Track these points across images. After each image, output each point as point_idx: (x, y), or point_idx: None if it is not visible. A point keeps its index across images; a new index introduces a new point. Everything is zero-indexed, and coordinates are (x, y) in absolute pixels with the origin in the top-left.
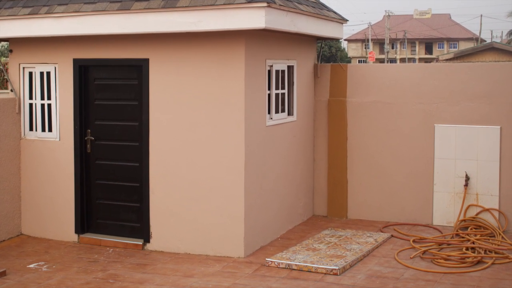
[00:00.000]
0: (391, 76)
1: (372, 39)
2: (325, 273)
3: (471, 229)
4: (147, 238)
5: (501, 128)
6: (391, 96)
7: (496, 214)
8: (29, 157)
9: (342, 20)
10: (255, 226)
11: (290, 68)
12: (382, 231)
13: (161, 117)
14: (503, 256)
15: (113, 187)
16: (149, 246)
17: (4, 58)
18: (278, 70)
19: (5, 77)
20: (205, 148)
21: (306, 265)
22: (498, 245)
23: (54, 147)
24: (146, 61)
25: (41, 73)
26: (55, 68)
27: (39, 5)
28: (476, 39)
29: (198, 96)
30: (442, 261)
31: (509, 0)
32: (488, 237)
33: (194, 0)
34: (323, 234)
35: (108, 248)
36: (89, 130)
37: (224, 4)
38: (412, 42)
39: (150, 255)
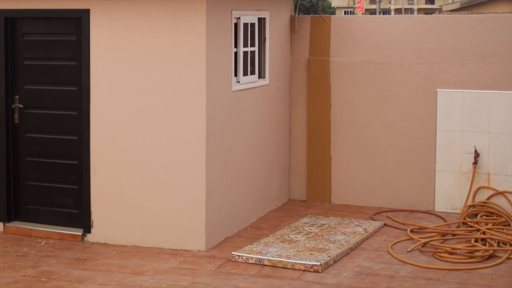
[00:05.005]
0: (384, 31)
1: None
2: (304, 270)
3: (481, 216)
4: (87, 228)
5: None
6: (384, 55)
7: None
8: None
9: None
10: (219, 213)
11: (261, 21)
12: (373, 219)
13: (104, 80)
14: None
15: (46, 165)
16: (89, 237)
17: None
18: (247, 24)
19: None
20: (159, 119)
21: (281, 260)
22: None
23: None
24: (86, 12)
25: None
26: None
27: None
28: None
29: (150, 56)
30: (446, 255)
31: None
32: (502, 226)
33: None
34: (302, 222)
35: (40, 240)
36: (17, 96)
37: None
38: None
39: (91, 248)
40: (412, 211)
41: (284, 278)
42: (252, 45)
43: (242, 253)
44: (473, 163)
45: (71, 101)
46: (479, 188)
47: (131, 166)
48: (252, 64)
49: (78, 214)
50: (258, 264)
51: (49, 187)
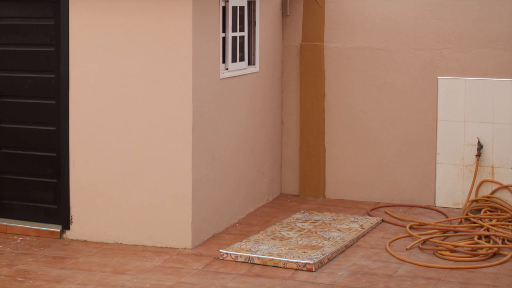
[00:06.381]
0: (382, 14)
1: None
2: (296, 269)
3: (484, 212)
4: (66, 224)
5: None
6: (382, 40)
7: None
8: None
9: None
10: (206, 208)
11: (251, 4)
12: (370, 215)
13: (85, 67)
14: None
15: (22, 157)
16: (69, 234)
17: None
18: (236, 7)
19: None
20: (142, 108)
21: (272, 259)
22: None
23: None
24: None
25: None
26: None
27: None
28: None
29: (133, 41)
30: (447, 253)
31: None
32: (507, 223)
33: None
34: (294, 218)
35: (16, 237)
36: None
37: None
38: None
39: (70, 245)
40: (412, 206)
41: (275, 277)
42: (241, 30)
43: (231, 251)
44: (476, 155)
45: (48, 89)
46: (482, 182)
47: (112, 158)
48: (241, 50)
49: (56, 209)
50: (247, 262)
51: (26, 181)
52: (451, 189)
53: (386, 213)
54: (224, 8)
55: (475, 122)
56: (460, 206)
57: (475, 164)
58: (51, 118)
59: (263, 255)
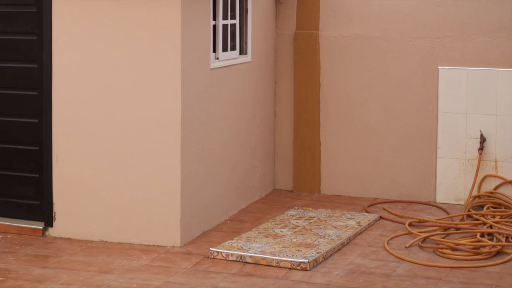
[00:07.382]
0: (380, 1)
1: None
2: (290, 268)
3: (487, 208)
4: (49, 221)
5: None
6: (380, 29)
7: None
8: None
9: None
10: (195, 204)
11: None
12: (367, 211)
13: (68, 56)
14: None
15: (2, 151)
16: (52, 232)
17: None
18: None
19: None
20: (129, 99)
21: (265, 257)
22: None
23: None
24: None
25: None
26: None
27: None
28: None
29: (119, 29)
30: (448, 251)
31: None
32: (511, 219)
33: None
34: (288, 215)
35: None
36: None
37: None
38: None
39: (53, 243)
40: (411, 202)
41: (268, 277)
42: (233, 17)
43: (222, 249)
44: (479, 149)
45: (31, 79)
46: (485, 177)
47: (97, 152)
48: (232, 39)
49: (39, 205)
50: (239, 261)
51: (6, 176)
52: (453, 185)
53: (384, 209)
54: None
55: (477, 114)
56: (462, 202)
57: (477, 158)
58: (33, 110)
59: (255, 253)
